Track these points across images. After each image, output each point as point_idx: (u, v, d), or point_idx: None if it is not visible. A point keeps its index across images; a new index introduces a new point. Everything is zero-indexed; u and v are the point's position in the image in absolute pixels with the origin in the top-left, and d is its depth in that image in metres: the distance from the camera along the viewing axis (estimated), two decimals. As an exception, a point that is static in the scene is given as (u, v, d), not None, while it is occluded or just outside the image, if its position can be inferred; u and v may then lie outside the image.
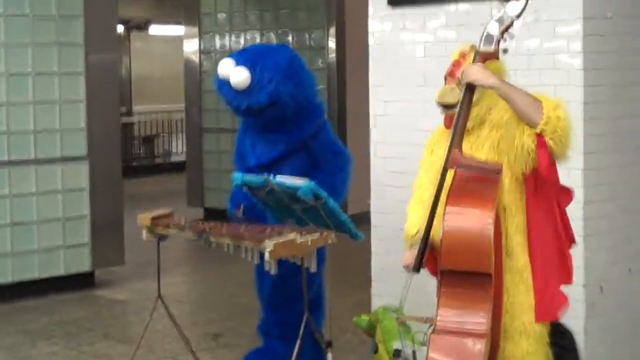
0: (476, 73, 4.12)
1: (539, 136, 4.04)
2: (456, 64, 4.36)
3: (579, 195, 5.33)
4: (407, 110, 6.14)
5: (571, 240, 4.35)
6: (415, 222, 4.39)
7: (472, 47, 4.38)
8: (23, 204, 8.31)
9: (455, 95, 4.25)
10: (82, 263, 8.69)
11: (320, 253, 5.17)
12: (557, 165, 4.12)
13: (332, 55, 11.44)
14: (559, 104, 4.09)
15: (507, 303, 4.26)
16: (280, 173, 5.26)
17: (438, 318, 4.07)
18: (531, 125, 4.03)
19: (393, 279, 6.12)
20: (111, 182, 8.87)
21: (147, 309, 5.93)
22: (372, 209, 6.40)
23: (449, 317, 4.05)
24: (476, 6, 5.76)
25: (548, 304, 4.26)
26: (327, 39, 11.53)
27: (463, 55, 4.37)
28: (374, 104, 6.42)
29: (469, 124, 4.21)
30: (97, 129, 8.69)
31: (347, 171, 5.60)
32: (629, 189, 5.64)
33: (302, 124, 5.52)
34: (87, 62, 8.60)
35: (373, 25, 6.40)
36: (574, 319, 5.31)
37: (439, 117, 5.64)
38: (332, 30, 11.53)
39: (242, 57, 5.50)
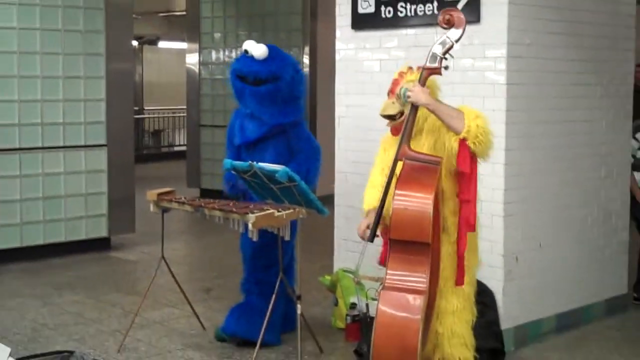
0: (415, 95, 4.18)
1: (462, 140, 4.10)
2: (395, 82, 4.40)
3: (500, 184, 5.37)
4: (364, 113, 6.13)
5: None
6: (369, 201, 4.41)
7: (409, 68, 4.44)
8: (53, 182, 8.26)
9: (395, 107, 4.29)
10: (100, 230, 8.65)
11: (294, 226, 5.16)
12: (477, 163, 4.17)
13: (306, 69, 11.42)
14: (479, 114, 4.18)
15: (443, 268, 4.28)
16: (263, 152, 5.37)
17: (387, 277, 4.09)
18: (456, 132, 4.10)
19: (351, 248, 6.14)
20: (125, 165, 8.81)
21: (153, 268, 5.91)
22: (336, 191, 6.39)
23: (395, 277, 4.07)
24: (422, 31, 5.75)
25: (460, 273, 4.29)
26: (303, 56, 11.51)
27: (401, 75, 4.41)
28: (338, 107, 6.41)
29: (413, 133, 4.25)
30: (114, 122, 8.63)
31: (318, 159, 5.59)
32: (541, 179, 5.67)
33: (286, 112, 5.52)
34: (108, 69, 8.54)
35: (339, 45, 6.38)
36: (494, 282, 5.36)
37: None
38: (307, 49, 11.52)
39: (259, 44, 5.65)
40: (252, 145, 5.50)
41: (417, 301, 3.96)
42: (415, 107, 4.21)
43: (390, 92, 4.37)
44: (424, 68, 4.23)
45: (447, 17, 4.25)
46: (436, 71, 4.24)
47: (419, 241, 4.01)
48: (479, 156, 4.15)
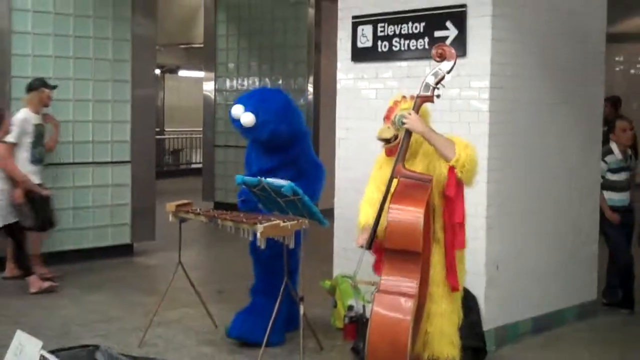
0: (411, 123, 4.18)
1: (451, 168, 4.11)
2: (391, 110, 4.40)
3: (483, 200, 5.37)
4: (362, 135, 6.14)
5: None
6: (364, 216, 4.41)
7: (403, 97, 4.44)
8: (82, 194, 8.26)
9: (390, 132, 4.29)
10: (124, 237, 8.63)
11: (299, 236, 5.15)
12: (462, 188, 4.17)
13: (310, 96, 11.45)
14: (468, 144, 4.17)
15: (434, 274, 4.27)
16: (275, 177, 5.28)
17: (381, 282, 4.08)
18: (446, 160, 4.11)
19: (349, 256, 6.13)
20: (147, 180, 8.80)
21: (171, 272, 5.89)
22: (335, 205, 6.39)
23: (389, 282, 4.06)
24: (414, 64, 5.78)
25: (454, 280, 4.28)
26: (307, 84, 11.54)
27: (396, 103, 4.41)
28: (339, 130, 6.42)
29: (407, 155, 4.26)
30: (138, 142, 8.63)
31: (322, 179, 5.59)
32: (519, 196, 5.67)
33: (292, 146, 5.50)
34: (133, 94, 8.55)
35: (340, 75, 6.39)
36: (477, 288, 5.35)
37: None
38: (311, 78, 11.54)
39: (249, 102, 5.43)
40: (266, 172, 5.45)
41: (408, 303, 3.95)
42: (409, 132, 4.22)
43: (386, 118, 4.38)
44: (418, 96, 4.24)
45: (439, 51, 4.27)
46: (429, 99, 4.25)
47: (411, 250, 4.01)
48: (464, 183, 4.17)
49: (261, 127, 5.31)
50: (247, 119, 5.30)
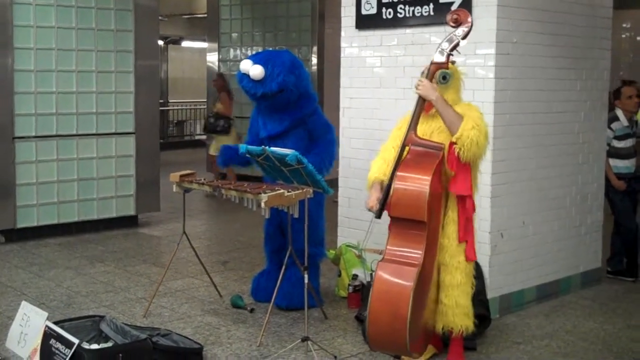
0: (424, 90, 4.13)
1: (452, 143, 4.11)
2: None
3: (487, 168, 5.33)
4: (366, 104, 6.10)
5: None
6: (375, 172, 4.37)
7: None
8: (87, 165, 8.23)
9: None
10: (128, 208, 8.62)
11: (321, 208, 5.24)
12: (468, 164, 4.11)
13: (314, 66, 11.37)
14: (477, 126, 4.07)
15: (448, 244, 4.26)
16: (285, 144, 5.24)
17: (386, 251, 4.07)
18: (452, 133, 4.07)
19: (353, 225, 6.12)
20: (151, 151, 8.76)
21: (175, 242, 5.89)
22: (340, 174, 6.36)
23: (393, 250, 4.05)
24: (419, 31, 5.71)
25: (471, 250, 4.28)
26: (311, 54, 11.46)
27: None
28: (343, 100, 6.37)
29: (432, 112, 4.21)
30: (142, 113, 8.59)
31: (334, 142, 5.54)
32: (524, 164, 5.63)
33: (302, 106, 5.44)
34: (136, 65, 8.49)
35: (344, 43, 6.33)
36: (481, 256, 5.33)
37: (390, 110, 5.62)
38: (315, 48, 11.45)
39: (257, 57, 5.42)
40: (275, 137, 5.42)
41: (411, 273, 3.94)
42: (422, 99, 4.16)
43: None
44: (432, 63, 4.18)
45: (454, 16, 4.19)
46: (443, 66, 4.18)
47: (416, 219, 3.99)
48: (462, 160, 4.10)
49: (270, 79, 5.25)
50: (257, 70, 5.25)
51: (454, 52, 4.15)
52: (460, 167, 4.13)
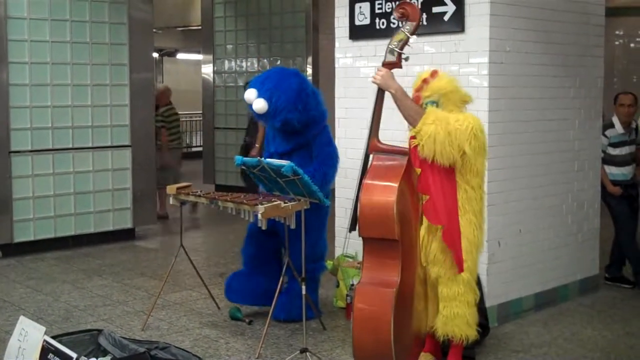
0: (382, 80, 3.93)
1: (412, 137, 3.99)
2: (418, 89, 4.17)
3: (484, 176, 5.33)
4: (361, 115, 6.11)
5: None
6: None
7: (434, 71, 4.19)
8: (83, 179, 8.24)
9: None
10: (125, 221, 8.62)
11: (324, 220, 5.35)
12: (432, 162, 3.94)
13: (310, 77, 11.39)
14: (435, 120, 3.84)
15: (429, 254, 4.19)
16: (290, 160, 5.17)
17: (363, 272, 3.95)
18: (411, 126, 3.95)
19: (350, 235, 6.08)
20: (147, 164, 8.77)
21: (172, 255, 5.89)
22: (336, 185, 6.36)
23: (369, 272, 3.93)
24: (412, 41, 5.66)
25: (460, 262, 4.21)
26: (306, 64, 11.48)
27: (424, 80, 4.18)
28: (338, 110, 6.39)
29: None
30: (137, 125, 8.61)
31: (334, 165, 5.45)
32: (520, 172, 5.65)
33: (307, 131, 5.39)
34: (131, 78, 8.51)
35: (338, 54, 6.36)
36: (479, 264, 5.29)
37: (385, 120, 5.55)
38: (310, 59, 11.47)
39: (263, 87, 5.28)
40: (282, 154, 5.38)
41: (388, 295, 3.83)
42: (381, 95, 3.94)
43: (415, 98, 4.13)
44: (383, 63, 3.97)
45: (400, 10, 3.95)
46: (396, 65, 3.97)
47: (387, 238, 3.84)
48: (421, 155, 3.94)
49: (273, 115, 5.22)
50: (259, 105, 5.21)
51: (406, 49, 3.93)
52: (422, 163, 3.97)
